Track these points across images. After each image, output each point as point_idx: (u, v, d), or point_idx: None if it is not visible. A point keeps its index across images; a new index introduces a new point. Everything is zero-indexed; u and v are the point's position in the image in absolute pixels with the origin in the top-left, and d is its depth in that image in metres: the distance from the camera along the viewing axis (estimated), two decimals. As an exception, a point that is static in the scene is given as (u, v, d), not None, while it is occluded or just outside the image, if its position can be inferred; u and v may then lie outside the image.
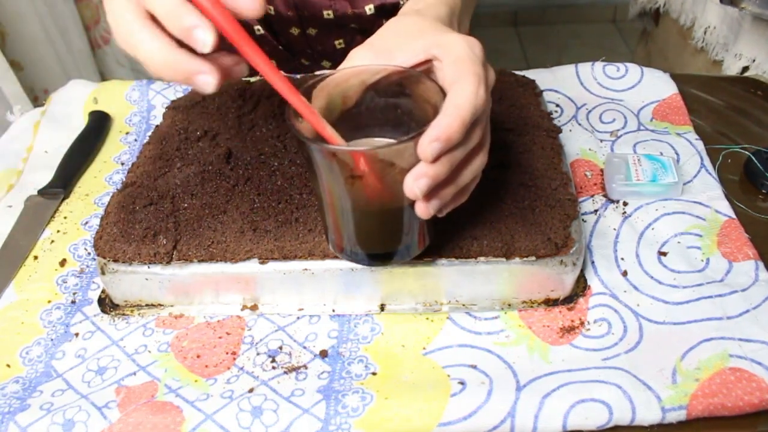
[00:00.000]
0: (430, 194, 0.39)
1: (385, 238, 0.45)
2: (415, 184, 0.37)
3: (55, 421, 0.45)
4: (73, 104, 0.76)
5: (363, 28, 0.80)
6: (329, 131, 0.40)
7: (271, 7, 0.77)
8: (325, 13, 0.77)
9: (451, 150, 0.37)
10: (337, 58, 0.83)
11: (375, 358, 0.49)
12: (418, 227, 0.44)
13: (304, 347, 0.50)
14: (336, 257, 0.49)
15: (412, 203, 0.40)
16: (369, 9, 0.77)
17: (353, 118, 0.44)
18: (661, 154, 0.63)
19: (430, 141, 0.36)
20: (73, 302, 0.55)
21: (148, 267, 0.50)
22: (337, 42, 0.81)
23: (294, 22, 0.79)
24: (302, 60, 0.84)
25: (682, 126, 0.67)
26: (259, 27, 0.81)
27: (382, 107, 0.44)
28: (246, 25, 0.81)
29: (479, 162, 0.41)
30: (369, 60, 0.43)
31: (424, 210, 0.39)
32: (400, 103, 0.44)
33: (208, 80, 0.37)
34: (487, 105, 0.39)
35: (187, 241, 0.50)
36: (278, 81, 0.38)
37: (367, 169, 0.39)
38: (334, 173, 0.40)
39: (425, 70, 0.42)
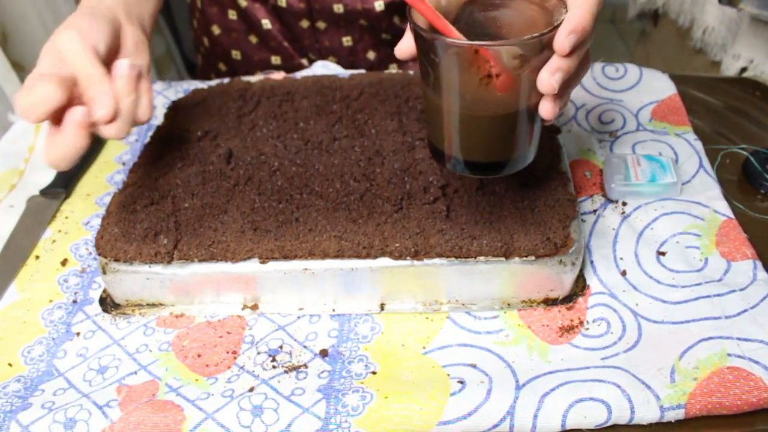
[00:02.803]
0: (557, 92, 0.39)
1: (503, 145, 0.43)
2: (552, 77, 0.38)
3: (57, 420, 0.45)
4: (74, 104, 0.76)
5: (372, 26, 0.80)
6: (456, 34, 0.40)
7: None
8: (335, 6, 0.77)
9: (580, 44, 0.39)
10: (344, 56, 0.84)
11: (375, 357, 0.49)
12: (531, 135, 0.44)
13: (305, 346, 0.50)
14: (336, 256, 0.49)
15: (529, 108, 0.40)
16: (379, 5, 0.78)
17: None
18: (660, 154, 0.63)
19: (568, 33, 0.37)
20: (75, 302, 0.55)
21: (149, 266, 0.51)
22: (345, 39, 0.82)
23: (304, 15, 0.79)
24: (310, 54, 0.85)
25: (680, 126, 0.67)
26: (266, 21, 0.81)
27: (481, 21, 0.44)
28: (253, 20, 0.82)
29: (586, 67, 0.42)
30: None
31: (550, 109, 0.40)
32: (499, 15, 0.43)
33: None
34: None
35: (188, 240, 0.50)
36: None
37: (500, 68, 0.39)
38: (464, 75, 0.39)
39: None
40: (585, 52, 0.41)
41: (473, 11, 0.44)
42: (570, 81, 0.41)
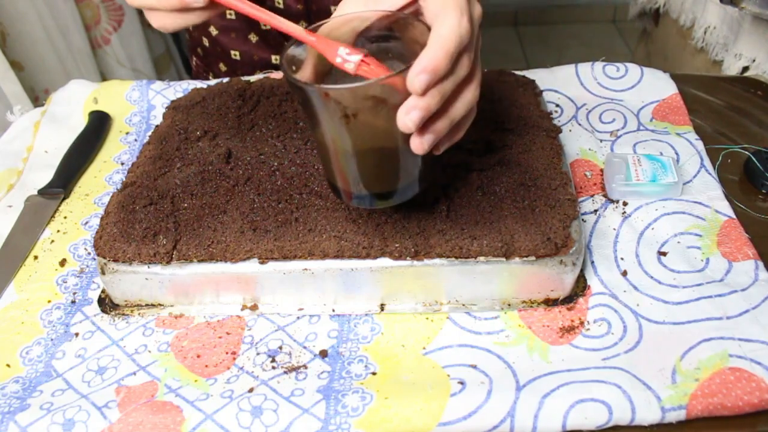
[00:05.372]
0: (423, 128, 0.39)
1: (385, 176, 0.45)
2: (407, 117, 0.38)
3: (55, 421, 0.45)
4: (73, 104, 0.76)
5: None
6: (343, 53, 0.41)
7: (281, 0, 0.78)
8: (332, 8, 0.78)
9: (439, 82, 0.38)
10: None
11: (375, 357, 0.49)
12: (417, 165, 0.44)
13: (304, 347, 0.50)
14: (336, 257, 0.49)
15: (408, 140, 0.40)
16: None
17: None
18: (661, 154, 0.63)
19: (417, 73, 0.37)
20: (73, 302, 0.55)
21: (148, 267, 0.50)
22: None
23: (302, 16, 0.79)
24: None
25: (681, 126, 0.67)
26: None
27: (374, 53, 0.44)
28: (253, 19, 0.82)
29: (471, 95, 0.41)
30: (359, 8, 0.43)
31: (418, 145, 0.40)
32: (391, 47, 0.44)
33: None
34: (473, 37, 0.40)
35: (187, 240, 0.50)
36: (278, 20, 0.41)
37: (361, 107, 0.40)
38: (331, 114, 0.40)
39: (413, 11, 0.43)
40: (459, 89, 0.40)
41: (365, 43, 0.45)
42: (438, 117, 0.40)
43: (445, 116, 0.40)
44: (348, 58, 0.40)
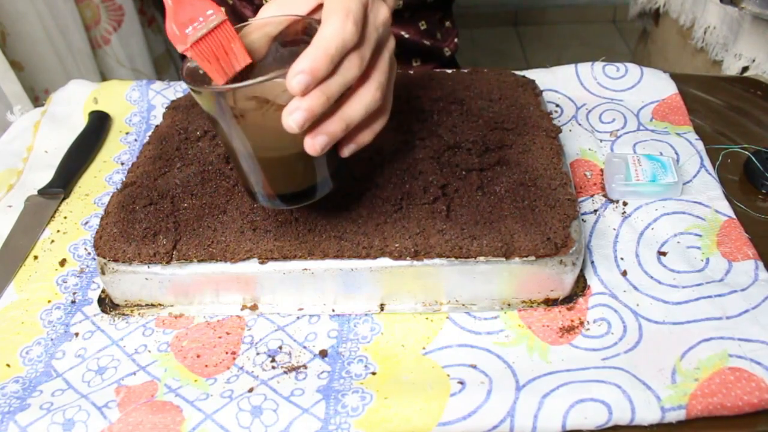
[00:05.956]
0: (314, 129, 0.40)
1: (289, 177, 0.45)
2: (290, 118, 0.38)
3: (55, 421, 0.45)
4: (73, 104, 0.76)
5: None
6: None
7: None
8: None
9: (322, 83, 0.38)
10: None
11: (375, 357, 0.49)
12: (323, 164, 0.44)
13: (304, 347, 0.50)
14: (336, 257, 0.49)
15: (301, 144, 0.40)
16: None
17: (263, 71, 0.44)
18: (661, 154, 0.63)
19: (295, 73, 0.37)
20: (73, 302, 0.55)
21: (148, 267, 0.50)
22: None
23: None
24: None
25: (681, 126, 0.67)
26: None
27: (288, 57, 0.44)
28: (242, 17, 0.82)
29: (368, 97, 0.41)
30: (274, 13, 0.44)
31: (310, 146, 0.40)
32: (299, 51, 0.44)
33: None
34: (364, 39, 0.40)
35: (187, 240, 0.50)
36: None
37: (248, 108, 0.40)
38: (224, 115, 0.41)
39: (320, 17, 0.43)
40: (353, 90, 0.41)
41: (278, 48, 0.45)
42: (329, 118, 0.40)
43: (337, 118, 0.40)
44: (188, 34, 0.40)
